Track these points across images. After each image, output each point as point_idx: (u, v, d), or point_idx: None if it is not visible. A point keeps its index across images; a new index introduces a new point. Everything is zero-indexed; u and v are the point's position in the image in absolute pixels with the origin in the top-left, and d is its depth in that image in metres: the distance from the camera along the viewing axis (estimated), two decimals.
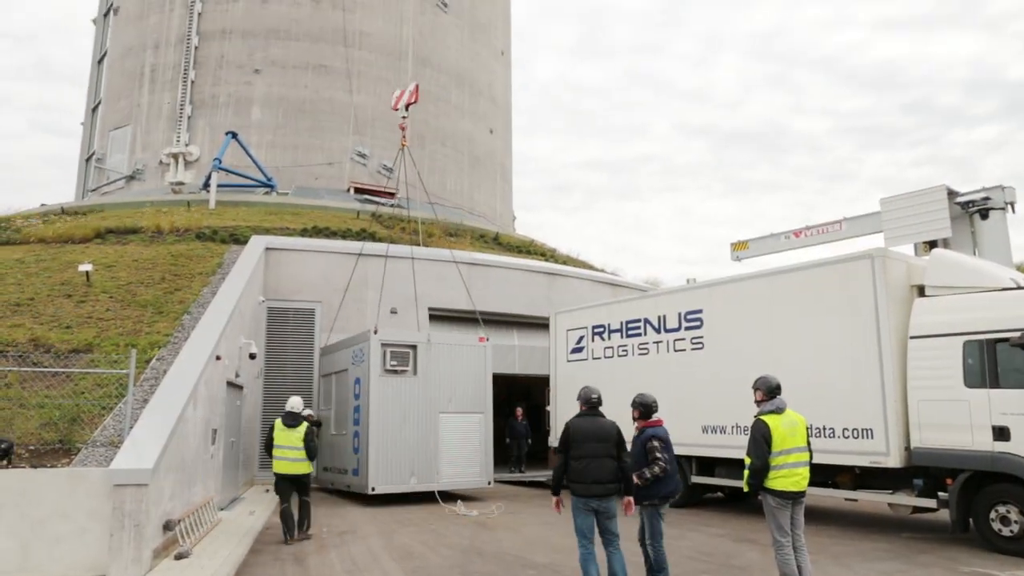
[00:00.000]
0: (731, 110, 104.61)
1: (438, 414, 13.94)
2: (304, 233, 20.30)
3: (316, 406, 16.32)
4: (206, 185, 24.52)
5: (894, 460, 9.66)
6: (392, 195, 25.88)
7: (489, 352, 14.98)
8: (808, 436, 6.84)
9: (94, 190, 30.51)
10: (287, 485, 9.90)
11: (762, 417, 6.82)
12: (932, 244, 14.48)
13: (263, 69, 27.77)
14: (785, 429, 6.64)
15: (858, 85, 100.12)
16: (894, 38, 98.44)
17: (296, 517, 9.94)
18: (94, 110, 33.31)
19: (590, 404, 6.99)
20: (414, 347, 13.99)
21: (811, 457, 6.80)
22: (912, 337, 9.85)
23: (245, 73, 27.81)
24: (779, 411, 6.77)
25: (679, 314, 13.29)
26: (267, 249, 17.63)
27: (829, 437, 10.41)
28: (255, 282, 16.18)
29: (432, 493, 13.48)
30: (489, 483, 14.48)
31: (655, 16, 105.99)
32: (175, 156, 26.94)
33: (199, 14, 28.28)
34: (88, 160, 32.50)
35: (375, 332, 13.73)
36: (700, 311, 12.92)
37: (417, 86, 17.58)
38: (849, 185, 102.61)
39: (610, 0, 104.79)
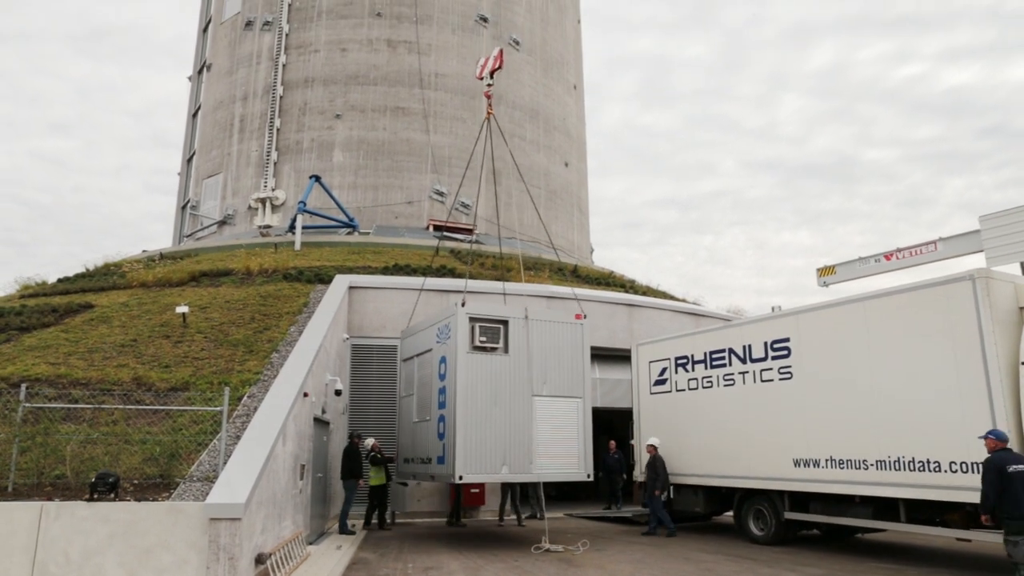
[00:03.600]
0: (798, 145, 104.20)
1: (531, 397, 12.65)
2: (386, 271, 20.77)
3: (397, 394, 15.92)
4: (292, 227, 25.49)
5: None
6: (470, 231, 26.26)
7: (587, 332, 13.67)
8: None
9: (189, 236, 32.17)
10: None
11: None
12: None
13: (343, 114, 28.86)
14: None
15: (928, 113, 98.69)
16: (961, 68, 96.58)
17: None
18: (189, 161, 35.27)
19: None
20: (505, 323, 12.75)
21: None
22: None
23: (327, 118, 28.97)
24: None
25: (765, 343, 12.89)
26: (350, 288, 18.10)
27: (935, 471, 9.81)
28: (339, 320, 16.60)
29: (520, 525, 13.27)
30: (588, 476, 13.00)
31: (716, 61, 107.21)
32: (262, 201, 28.18)
33: (283, 65, 29.72)
34: (183, 208, 34.34)
35: (462, 304, 12.58)
36: (787, 339, 12.49)
37: (501, 51, 16.71)
38: (928, 210, 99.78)
39: (671, 50, 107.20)
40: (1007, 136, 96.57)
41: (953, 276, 10.09)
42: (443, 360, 12.94)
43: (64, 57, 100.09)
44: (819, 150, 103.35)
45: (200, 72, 36.04)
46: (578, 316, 13.75)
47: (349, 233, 26.55)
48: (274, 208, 28.10)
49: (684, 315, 22.01)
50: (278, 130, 29.10)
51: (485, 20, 30.81)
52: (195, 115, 35.80)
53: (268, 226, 27.56)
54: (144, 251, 28.53)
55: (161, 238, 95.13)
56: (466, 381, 12.27)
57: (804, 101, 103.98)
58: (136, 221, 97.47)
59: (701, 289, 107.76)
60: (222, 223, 29.92)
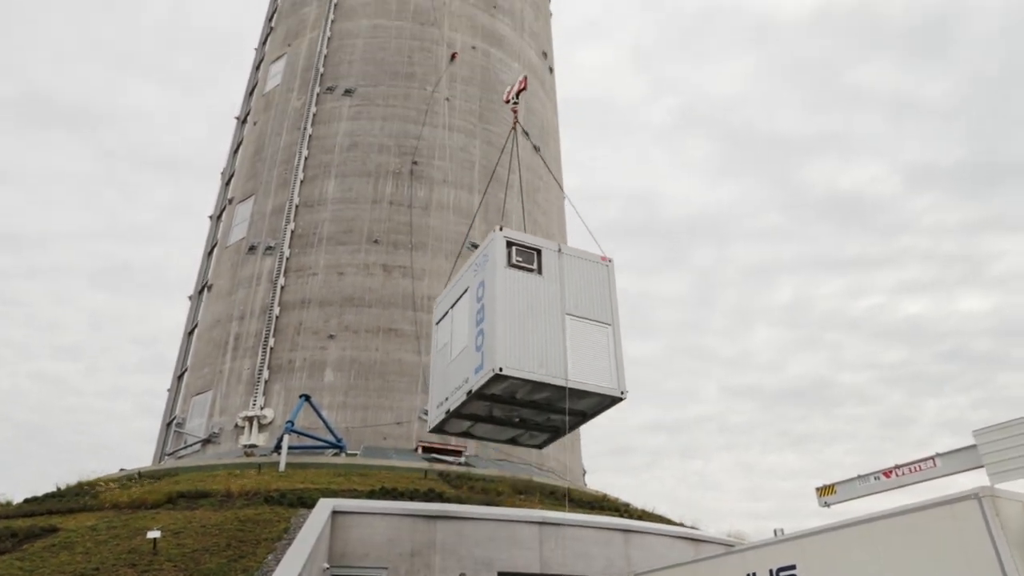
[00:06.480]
0: (773, 371, 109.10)
1: (564, 315, 13.59)
2: (372, 495, 19.96)
3: (432, 349, 16.29)
4: (277, 447, 24.90)
5: None
6: (459, 453, 25.72)
7: (615, 274, 14.75)
8: None
9: (171, 454, 31.30)
10: None
11: None
12: None
13: (337, 334, 29.41)
14: None
15: (892, 339, 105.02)
16: (914, 300, 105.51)
17: None
18: (180, 378, 35.29)
19: None
20: (539, 250, 13.91)
21: None
22: None
23: (320, 339, 29.47)
24: None
25: (770, 571, 12.15)
26: (334, 512, 17.26)
27: None
28: (320, 548, 15.66)
29: None
30: (622, 393, 13.70)
31: (689, 299, 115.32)
32: (250, 419, 27.81)
33: (282, 287, 30.81)
34: (168, 425, 33.73)
35: (500, 229, 13.71)
36: (794, 567, 11.80)
37: (526, 77, 18.79)
38: (912, 429, 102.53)
39: (649, 288, 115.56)
40: (968, 360, 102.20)
41: (956, 496, 9.77)
42: (481, 284, 13.76)
43: (82, 289, 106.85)
44: (795, 375, 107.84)
45: (200, 292, 37.23)
46: (604, 258, 14.89)
47: (336, 454, 25.89)
48: (261, 427, 27.67)
49: (683, 540, 20.92)
50: (271, 349, 29.46)
51: (476, 247, 32.58)
52: (191, 333, 36.43)
53: (253, 446, 26.94)
54: (122, 469, 27.54)
55: (146, 459, 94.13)
56: (504, 290, 13.19)
57: (774, 331, 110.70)
58: (124, 442, 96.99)
59: (695, 513, 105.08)
60: (207, 441, 29.26)
